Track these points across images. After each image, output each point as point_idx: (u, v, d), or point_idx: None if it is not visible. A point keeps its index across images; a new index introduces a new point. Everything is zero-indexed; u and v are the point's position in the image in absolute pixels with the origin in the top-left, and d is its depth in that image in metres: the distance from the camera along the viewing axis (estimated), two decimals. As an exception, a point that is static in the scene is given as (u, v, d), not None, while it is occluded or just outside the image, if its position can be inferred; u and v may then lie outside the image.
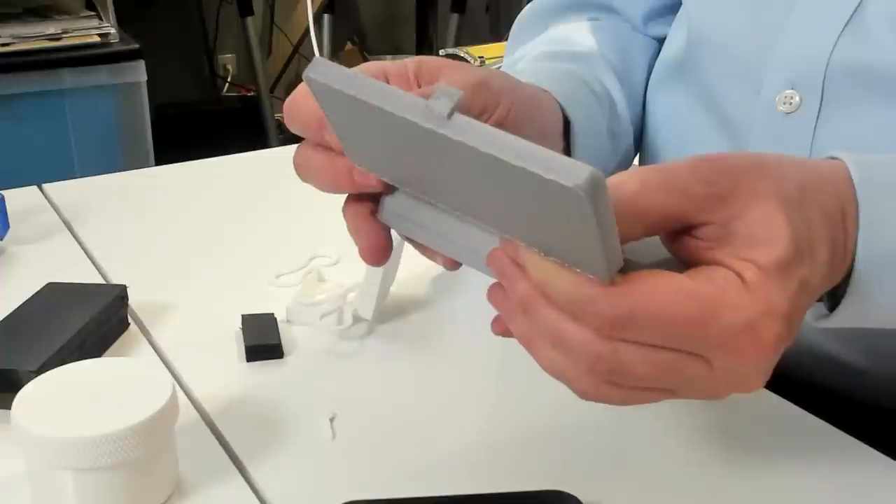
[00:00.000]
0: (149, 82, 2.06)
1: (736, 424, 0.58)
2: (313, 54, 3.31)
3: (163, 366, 0.64)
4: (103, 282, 0.76)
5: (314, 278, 0.73)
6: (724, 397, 0.45)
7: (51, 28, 2.01)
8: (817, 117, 0.60)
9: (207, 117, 3.20)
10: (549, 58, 0.71)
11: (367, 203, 0.50)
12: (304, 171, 0.51)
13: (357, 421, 0.58)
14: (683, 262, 0.43)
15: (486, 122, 0.47)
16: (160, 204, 0.93)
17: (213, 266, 0.79)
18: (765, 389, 0.60)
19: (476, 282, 0.76)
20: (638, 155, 0.77)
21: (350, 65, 0.45)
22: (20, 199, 0.90)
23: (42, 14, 2.10)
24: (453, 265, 0.50)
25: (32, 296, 0.67)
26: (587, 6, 0.78)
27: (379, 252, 0.50)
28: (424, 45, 3.23)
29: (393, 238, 0.58)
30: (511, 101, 0.52)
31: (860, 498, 0.53)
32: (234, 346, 0.67)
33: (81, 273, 0.77)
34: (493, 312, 0.46)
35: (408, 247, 0.69)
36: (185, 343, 0.67)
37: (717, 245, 0.42)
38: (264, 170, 1.02)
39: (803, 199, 0.44)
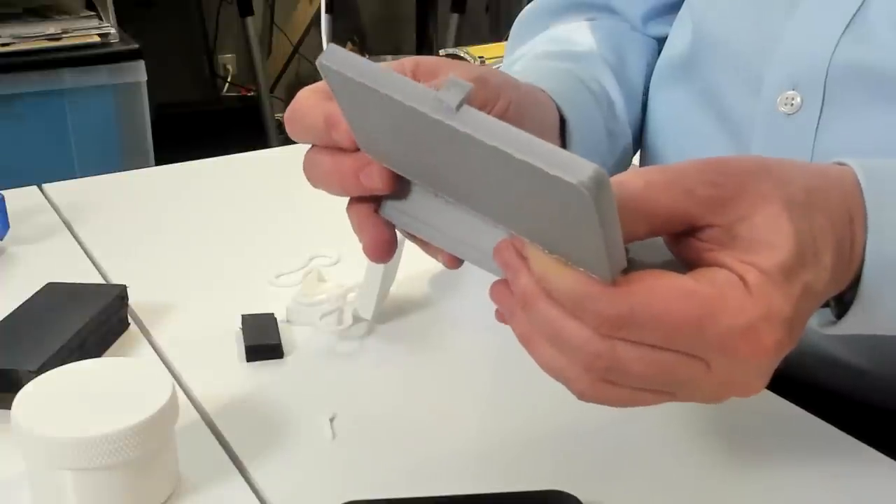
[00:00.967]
0: (149, 82, 2.06)
1: (737, 425, 0.58)
2: (313, 54, 3.32)
3: (163, 366, 0.64)
4: (103, 282, 0.76)
5: (314, 278, 0.73)
6: (723, 401, 0.45)
7: (51, 28, 2.01)
8: (819, 118, 0.59)
9: (207, 117, 3.20)
10: (548, 57, 0.71)
11: (371, 200, 0.50)
12: (312, 176, 0.50)
13: (357, 421, 0.58)
14: (686, 263, 0.43)
15: None
16: (160, 204, 0.93)
17: (213, 266, 0.79)
18: (765, 390, 0.60)
19: (476, 282, 0.76)
20: (638, 154, 0.77)
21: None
22: (20, 199, 0.90)
23: (42, 14, 2.10)
24: (454, 263, 0.50)
25: (32, 296, 0.67)
26: (587, 6, 0.78)
27: (383, 249, 0.50)
28: (424, 45, 3.23)
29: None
30: (509, 98, 0.52)
31: (861, 499, 0.53)
32: (234, 346, 0.67)
33: (81, 273, 0.77)
34: (492, 313, 0.46)
35: (408, 248, 0.69)
36: (185, 343, 0.67)
37: (721, 247, 0.42)
38: (264, 170, 1.02)
39: (809, 203, 0.43)
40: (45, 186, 0.96)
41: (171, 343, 0.67)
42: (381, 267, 0.66)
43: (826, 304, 0.49)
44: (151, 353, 0.66)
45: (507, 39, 0.82)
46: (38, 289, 0.68)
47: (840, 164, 0.47)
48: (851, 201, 0.45)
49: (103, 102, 2.03)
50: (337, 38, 3.13)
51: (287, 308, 0.69)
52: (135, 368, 0.53)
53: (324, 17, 3.09)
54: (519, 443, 0.57)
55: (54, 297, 0.67)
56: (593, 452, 0.56)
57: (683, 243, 0.43)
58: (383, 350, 0.67)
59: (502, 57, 0.84)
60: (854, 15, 0.58)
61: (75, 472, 0.48)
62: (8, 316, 0.64)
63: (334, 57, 0.40)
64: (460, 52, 1.70)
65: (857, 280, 0.46)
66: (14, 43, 1.96)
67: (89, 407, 0.49)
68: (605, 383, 0.43)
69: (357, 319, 0.68)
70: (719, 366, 0.42)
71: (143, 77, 2.04)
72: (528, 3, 0.82)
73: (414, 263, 0.76)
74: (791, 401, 0.60)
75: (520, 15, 0.81)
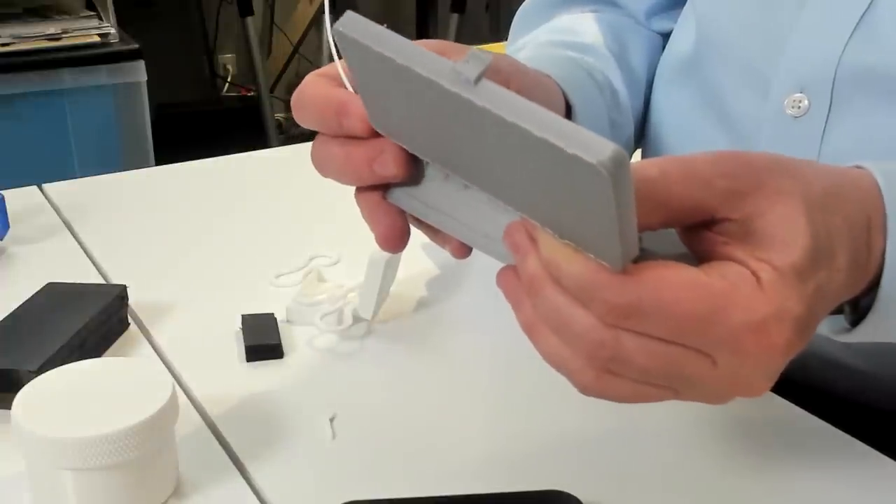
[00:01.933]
0: (149, 82, 2.06)
1: (737, 425, 0.58)
2: (313, 54, 3.32)
3: (163, 366, 0.64)
4: (103, 282, 0.76)
5: (314, 278, 0.73)
6: (727, 401, 0.44)
7: (51, 28, 2.01)
8: (826, 121, 0.59)
9: (207, 117, 3.20)
10: (552, 45, 0.70)
11: (380, 188, 0.49)
12: (323, 167, 0.49)
13: (357, 421, 0.58)
14: (699, 256, 0.42)
15: None
16: (160, 204, 0.93)
17: (213, 266, 0.79)
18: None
19: (476, 283, 0.76)
20: (641, 153, 0.77)
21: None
22: (20, 199, 0.90)
23: (42, 14, 2.10)
24: (462, 252, 0.49)
25: (32, 296, 0.67)
26: (589, 0, 0.78)
27: (397, 238, 0.49)
28: (424, 45, 3.23)
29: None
30: (519, 83, 0.52)
31: (862, 499, 0.53)
32: (234, 346, 0.67)
33: (81, 273, 0.77)
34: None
35: (408, 248, 0.69)
36: (185, 343, 0.67)
37: (735, 242, 0.41)
38: (264, 170, 1.02)
39: (826, 204, 0.43)
40: (45, 186, 0.96)
41: (171, 343, 0.67)
42: (381, 267, 0.66)
43: (840, 311, 0.48)
44: (151, 353, 0.66)
45: (507, 39, 0.82)
46: (38, 289, 0.68)
47: (858, 167, 0.47)
48: (870, 205, 0.45)
49: (103, 102, 2.03)
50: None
51: (287, 308, 0.69)
52: (135, 368, 0.53)
53: (326, 17, 3.09)
54: (519, 443, 0.57)
55: (54, 297, 0.67)
56: (593, 452, 0.56)
57: (697, 236, 0.43)
58: (383, 350, 0.67)
59: (502, 57, 0.84)
60: (861, 17, 0.57)
61: (75, 472, 0.48)
62: (8, 316, 0.64)
63: (352, 24, 0.39)
64: (460, 52, 1.70)
65: (874, 285, 0.45)
66: (14, 43, 1.96)
67: (89, 407, 0.49)
68: (608, 375, 0.42)
69: (357, 319, 0.68)
70: (725, 363, 0.41)
71: (143, 77, 2.04)
72: (521, 5, 0.82)
73: (414, 263, 0.76)
74: (791, 402, 0.60)
75: (521, 6, 0.81)
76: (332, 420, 0.58)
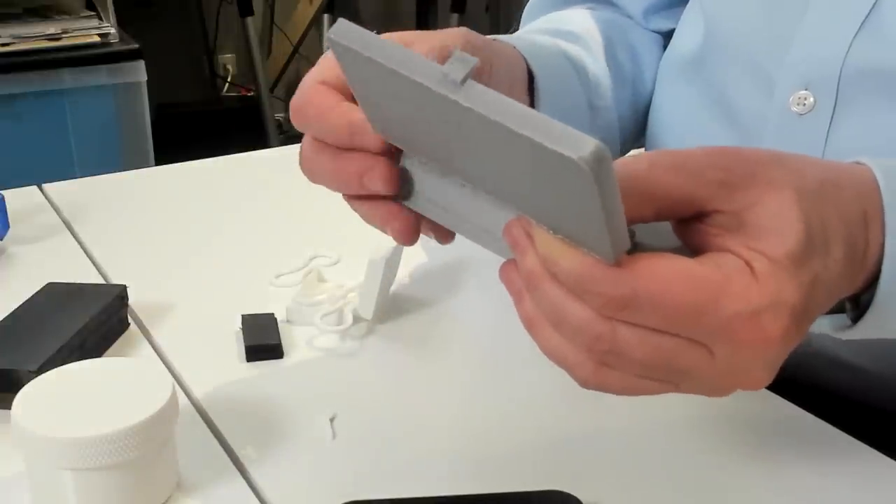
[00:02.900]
0: (149, 82, 2.06)
1: (737, 425, 0.58)
2: (313, 54, 3.32)
3: (163, 366, 0.64)
4: (103, 282, 0.76)
5: (314, 278, 0.73)
6: (727, 394, 0.44)
7: (51, 28, 2.01)
8: (831, 119, 0.59)
9: (207, 117, 3.20)
10: (539, 32, 0.71)
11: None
12: (312, 175, 0.50)
13: (357, 421, 0.58)
14: (694, 249, 0.43)
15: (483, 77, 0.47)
16: (160, 204, 0.93)
17: (213, 266, 0.79)
18: (766, 390, 0.60)
19: (476, 282, 0.76)
20: (644, 150, 0.77)
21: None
22: (20, 199, 0.90)
23: (42, 14, 2.10)
24: (447, 237, 0.49)
25: (32, 296, 0.67)
26: None
27: (411, 230, 0.49)
28: (424, 45, 3.23)
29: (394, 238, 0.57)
30: (482, 54, 0.53)
31: (862, 499, 0.52)
32: (234, 346, 0.67)
33: (81, 273, 0.77)
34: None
35: (407, 248, 0.69)
36: (185, 343, 0.67)
37: (728, 233, 0.41)
38: (264, 170, 1.02)
39: (821, 194, 0.43)
40: (45, 186, 0.96)
41: (171, 343, 0.67)
42: (381, 267, 0.66)
43: (842, 310, 0.48)
44: (151, 353, 0.66)
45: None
46: (38, 289, 0.68)
47: (858, 163, 0.47)
48: (867, 200, 0.45)
49: (103, 102, 2.03)
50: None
51: (287, 308, 0.69)
52: (135, 368, 0.53)
53: (325, 17, 3.09)
54: (519, 443, 0.57)
55: (54, 297, 0.67)
56: (593, 452, 0.56)
57: (691, 228, 0.43)
58: (383, 350, 0.67)
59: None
60: (867, 16, 0.57)
61: (75, 472, 0.48)
62: (8, 316, 0.64)
63: (343, 32, 0.40)
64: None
65: (874, 280, 0.45)
66: (14, 43, 1.96)
67: (89, 407, 0.49)
68: (607, 368, 0.42)
69: (357, 319, 0.68)
70: (722, 354, 0.41)
71: (143, 77, 2.04)
72: (528, 3, 0.83)
73: (414, 263, 0.76)
74: (791, 401, 0.60)
75: (527, 6, 0.82)
76: (332, 420, 0.58)
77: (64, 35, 2.01)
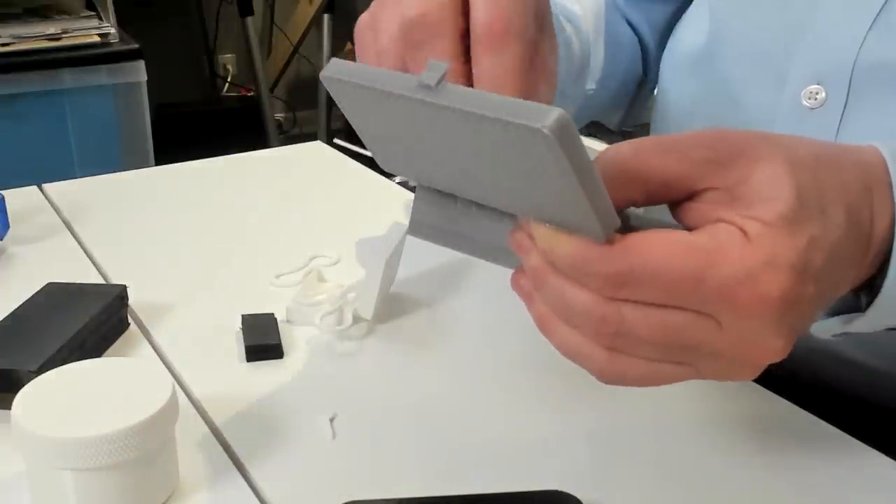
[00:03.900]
0: (149, 82, 2.06)
1: (737, 425, 0.58)
2: (313, 54, 3.32)
3: (163, 366, 0.64)
4: (103, 282, 0.76)
5: (314, 278, 0.73)
6: (751, 374, 0.43)
7: (51, 28, 2.01)
8: (842, 113, 0.60)
9: (207, 117, 3.20)
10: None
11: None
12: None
13: (357, 421, 0.58)
14: (689, 228, 0.42)
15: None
16: (160, 204, 0.93)
17: (213, 266, 0.79)
18: (765, 390, 0.60)
19: (476, 283, 0.76)
20: None
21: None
22: (20, 199, 0.90)
23: (42, 14, 2.10)
24: None
25: (32, 296, 0.67)
26: None
27: None
28: (424, 45, 3.22)
29: (393, 238, 0.58)
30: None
31: (862, 499, 0.53)
32: (234, 346, 0.67)
33: (81, 273, 0.77)
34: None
35: (407, 248, 0.69)
36: (185, 343, 0.67)
37: (722, 206, 0.41)
38: (264, 170, 1.02)
39: (815, 166, 0.42)
40: (45, 186, 0.96)
41: (171, 343, 0.67)
42: (381, 267, 0.66)
43: (850, 309, 0.48)
44: (151, 353, 0.66)
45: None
46: (38, 289, 0.68)
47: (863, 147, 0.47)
48: (872, 176, 0.44)
49: (103, 102, 2.03)
50: (337, 38, 3.13)
51: (287, 308, 0.70)
52: (135, 368, 0.53)
53: (326, 17, 3.09)
54: (519, 443, 0.57)
55: (54, 297, 0.67)
56: (593, 452, 0.56)
57: (684, 208, 0.43)
58: (383, 350, 0.67)
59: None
60: (880, 11, 0.58)
61: (75, 472, 0.48)
62: (8, 316, 0.64)
63: (335, 68, 0.43)
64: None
65: (886, 261, 0.45)
66: (14, 43, 1.96)
67: (89, 407, 0.49)
68: (620, 355, 0.42)
69: (357, 319, 0.68)
70: (728, 322, 0.40)
71: (143, 77, 2.04)
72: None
73: (414, 263, 0.76)
74: (792, 398, 0.60)
75: None
76: (332, 420, 0.58)
77: (64, 35, 2.01)
